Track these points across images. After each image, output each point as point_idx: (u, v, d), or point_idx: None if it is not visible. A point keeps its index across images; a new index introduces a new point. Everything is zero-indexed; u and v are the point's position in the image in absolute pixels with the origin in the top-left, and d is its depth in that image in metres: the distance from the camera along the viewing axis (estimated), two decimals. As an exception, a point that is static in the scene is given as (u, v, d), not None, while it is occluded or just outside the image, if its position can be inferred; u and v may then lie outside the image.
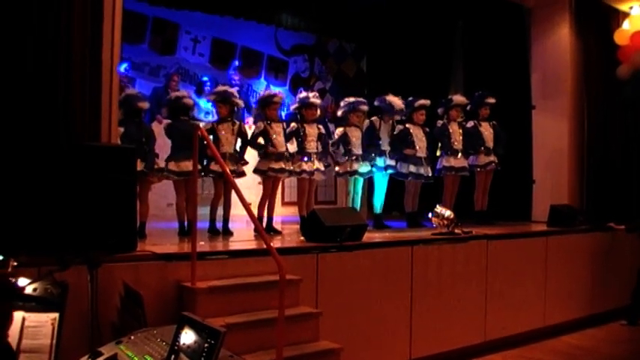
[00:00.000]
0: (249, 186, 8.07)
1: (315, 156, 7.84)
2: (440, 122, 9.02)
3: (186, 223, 7.00)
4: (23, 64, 4.94)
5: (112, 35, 5.47)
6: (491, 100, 9.19)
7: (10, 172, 4.82)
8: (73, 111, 5.14)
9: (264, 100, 7.78)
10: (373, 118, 8.56)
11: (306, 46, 13.94)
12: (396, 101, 8.54)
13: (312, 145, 7.83)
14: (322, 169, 8.02)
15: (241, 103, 7.69)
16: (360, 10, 11.17)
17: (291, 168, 7.70)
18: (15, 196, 4.80)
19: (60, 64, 5.09)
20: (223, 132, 7.22)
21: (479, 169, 9.16)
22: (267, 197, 7.63)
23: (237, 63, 12.48)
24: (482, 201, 9.28)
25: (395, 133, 8.62)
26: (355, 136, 8.25)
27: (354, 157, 8.20)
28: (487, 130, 9.17)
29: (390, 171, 8.54)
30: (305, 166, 7.75)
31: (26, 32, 4.94)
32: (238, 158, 7.34)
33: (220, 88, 7.64)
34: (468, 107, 9.28)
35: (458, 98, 9.16)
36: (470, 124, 9.16)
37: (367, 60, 13.95)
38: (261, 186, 7.85)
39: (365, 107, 8.43)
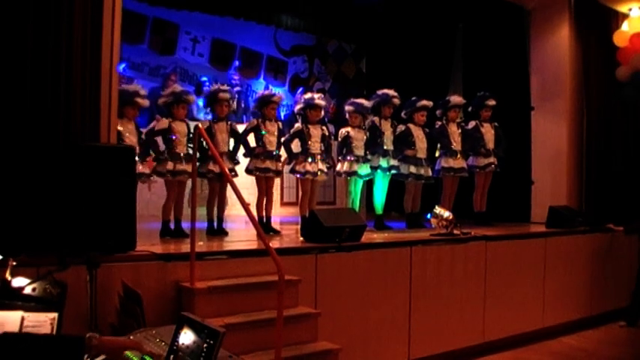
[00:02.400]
0: (248, 186, 8.07)
1: (318, 157, 7.85)
2: (438, 123, 9.01)
3: (171, 224, 7.01)
4: (23, 64, 4.93)
5: (112, 35, 5.46)
6: (492, 102, 9.17)
7: (10, 172, 4.83)
8: (72, 111, 5.13)
9: (263, 99, 7.78)
10: (374, 118, 8.55)
11: (306, 47, 13.97)
12: (389, 90, 8.58)
13: (317, 146, 7.83)
14: (325, 170, 8.03)
15: (228, 96, 7.60)
16: (359, 11, 11.18)
17: (280, 168, 7.70)
18: (15, 196, 4.80)
19: (60, 63, 5.08)
20: (219, 132, 7.21)
21: (478, 171, 9.15)
22: (263, 197, 7.63)
23: (237, 63, 12.49)
24: (481, 202, 9.27)
25: (396, 134, 8.60)
26: (357, 137, 8.25)
27: (354, 158, 8.20)
28: (488, 132, 9.15)
29: (393, 171, 8.52)
30: (309, 167, 7.75)
31: (26, 32, 4.94)
32: (232, 158, 7.34)
33: (212, 87, 7.65)
34: (470, 108, 9.29)
35: (455, 99, 9.13)
36: (471, 124, 9.15)
37: (367, 61, 13.98)
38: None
39: (350, 107, 8.36)
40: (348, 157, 8.20)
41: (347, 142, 8.22)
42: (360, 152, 8.25)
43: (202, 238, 6.71)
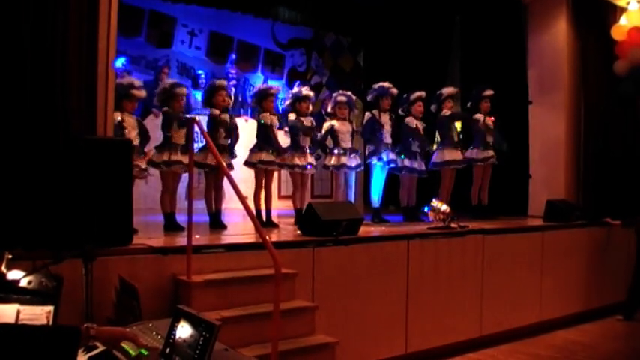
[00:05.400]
0: (245, 179, 8.06)
1: (307, 149, 7.86)
2: (442, 112, 8.96)
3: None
4: (19, 57, 4.91)
5: (108, 28, 5.44)
6: (489, 92, 9.16)
7: (6, 165, 4.81)
8: (69, 104, 5.12)
9: (260, 93, 7.78)
10: (373, 111, 8.54)
11: (303, 40, 13.95)
12: (384, 83, 8.59)
13: (306, 140, 7.87)
14: (314, 163, 8.03)
15: (224, 83, 7.58)
16: (357, 5, 11.16)
17: (281, 161, 7.70)
18: (10, 189, 4.79)
19: (56, 57, 5.07)
20: (217, 125, 7.19)
21: (479, 164, 9.13)
22: (261, 190, 7.64)
23: (233, 57, 12.46)
24: (481, 195, 9.27)
25: (404, 133, 8.61)
26: (342, 130, 8.23)
27: (341, 151, 8.19)
28: (487, 125, 9.17)
29: (392, 165, 8.51)
30: (298, 161, 7.75)
31: (22, 26, 4.91)
32: (230, 152, 7.34)
33: (211, 82, 7.66)
34: (469, 104, 9.28)
35: (447, 90, 9.11)
36: (478, 117, 9.16)
37: (364, 54, 13.94)
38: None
39: (343, 98, 8.37)
40: (335, 151, 8.19)
41: (333, 135, 8.22)
42: (347, 145, 8.24)
43: (205, 232, 6.71)
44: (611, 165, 9.94)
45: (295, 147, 7.81)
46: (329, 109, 8.42)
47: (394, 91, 8.55)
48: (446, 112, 8.91)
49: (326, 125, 8.30)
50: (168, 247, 5.45)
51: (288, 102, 8.07)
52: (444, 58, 11.54)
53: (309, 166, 7.91)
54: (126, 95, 6.62)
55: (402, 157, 8.56)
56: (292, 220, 7.91)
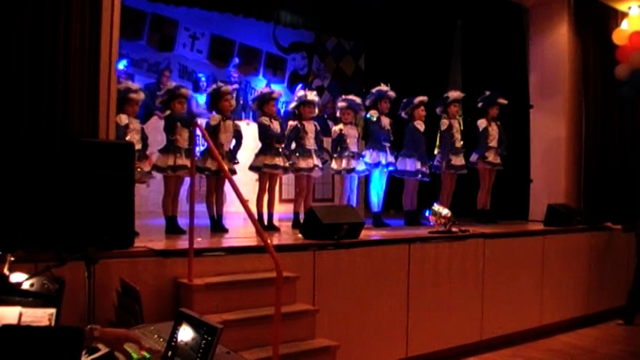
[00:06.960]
0: (247, 182, 8.07)
1: (313, 152, 7.86)
2: (445, 123, 8.94)
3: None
4: (21, 60, 4.92)
5: (111, 31, 5.45)
6: (504, 101, 9.18)
7: (8, 168, 4.82)
8: (70, 107, 5.13)
9: (263, 97, 7.79)
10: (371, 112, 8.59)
11: (305, 44, 13.97)
12: (384, 87, 8.64)
13: (311, 142, 7.86)
14: (320, 165, 8.03)
15: (230, 89, 7.61)
16: (358, 9, 11.17)
17: (286, 165, 7.70)
18: (13, 192, 4.80)
19: (58, 59, 5.07)
20: (223, 130, 7.20)
21: (487, 167, 9.14)
22: (264, 194, 7.64)
23: (237, 61, 12.49)
24: (485, 200, 9.28)
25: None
26: (350, 134, 8.26)
27: (350, 155, 8.21)
28: (494, 130, 9.18)
29: (390, 168, 8.52)
30: (303, 163, 7.75)
31: (24, 28, 4.92)
32: (232, 157, 7.35)
33: (213, 86, 7.66)
34: (480, 104, 9.27)
35: (453, 94, 9.14)
36: (482, 124, 9.16)
37: (365, 58, 13.98)
38: (257, 183, 7.86)
39: (343, 103, 8.41)
40: (345, 154, 8.22)
41: (341, 140, 8.25)
42: (355, 148, 8.28)
43: (206, 235, 6.71)
44: (612, 169, 9.94)
45: (301, 150, 7.81)
46: (337, 114, 8.47)
47: (392, 94, 8.58)
48: (445, 120, 8.96)
49: (335, 130, 8.37)
50: (169, 250, 5.45)
51: (292, 105, 8.07)
52: (446, 62, 11.55)
53: (316, 169, 7.90)
54: (126, 100, 6.66)
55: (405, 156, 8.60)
56: (291, 224, 7.90)
